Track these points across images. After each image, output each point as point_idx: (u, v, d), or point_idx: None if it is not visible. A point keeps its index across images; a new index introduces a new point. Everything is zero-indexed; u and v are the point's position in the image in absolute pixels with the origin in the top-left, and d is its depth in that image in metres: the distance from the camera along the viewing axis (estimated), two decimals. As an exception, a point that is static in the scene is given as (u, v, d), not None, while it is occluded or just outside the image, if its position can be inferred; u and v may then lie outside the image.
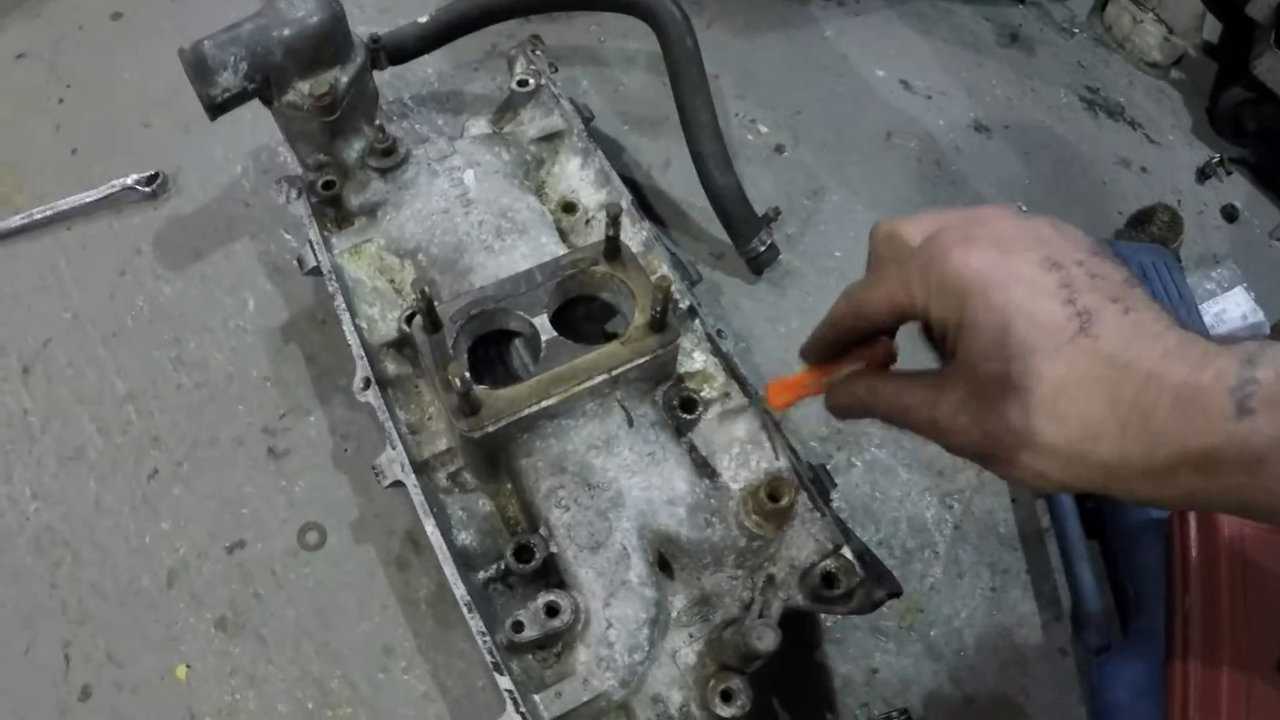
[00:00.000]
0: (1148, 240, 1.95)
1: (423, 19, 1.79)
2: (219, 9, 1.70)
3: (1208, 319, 1.79)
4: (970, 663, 1.52)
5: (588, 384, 1.27)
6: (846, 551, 1.25)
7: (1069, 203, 2.09)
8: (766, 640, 1.13)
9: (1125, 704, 1.37)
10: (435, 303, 1.26)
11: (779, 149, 2.12)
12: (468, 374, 1.17)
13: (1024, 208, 2.05)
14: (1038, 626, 1.56)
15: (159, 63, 2.16)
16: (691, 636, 1.25)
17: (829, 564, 1.24)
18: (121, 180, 1.95)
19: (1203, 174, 2.22)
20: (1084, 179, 2.15)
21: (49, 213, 1.93)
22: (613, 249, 1.35)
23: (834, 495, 1.31)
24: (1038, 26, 2.45)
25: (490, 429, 1.23)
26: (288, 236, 1.90)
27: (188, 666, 1.48)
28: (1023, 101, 2.27)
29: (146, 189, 1.94)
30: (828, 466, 1.38)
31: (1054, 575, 1.60)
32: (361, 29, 1.64)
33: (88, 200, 1.94)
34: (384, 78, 1.71)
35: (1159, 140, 2.27)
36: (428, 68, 2.16)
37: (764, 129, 2.15)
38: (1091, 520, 1.61)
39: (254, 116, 1.72)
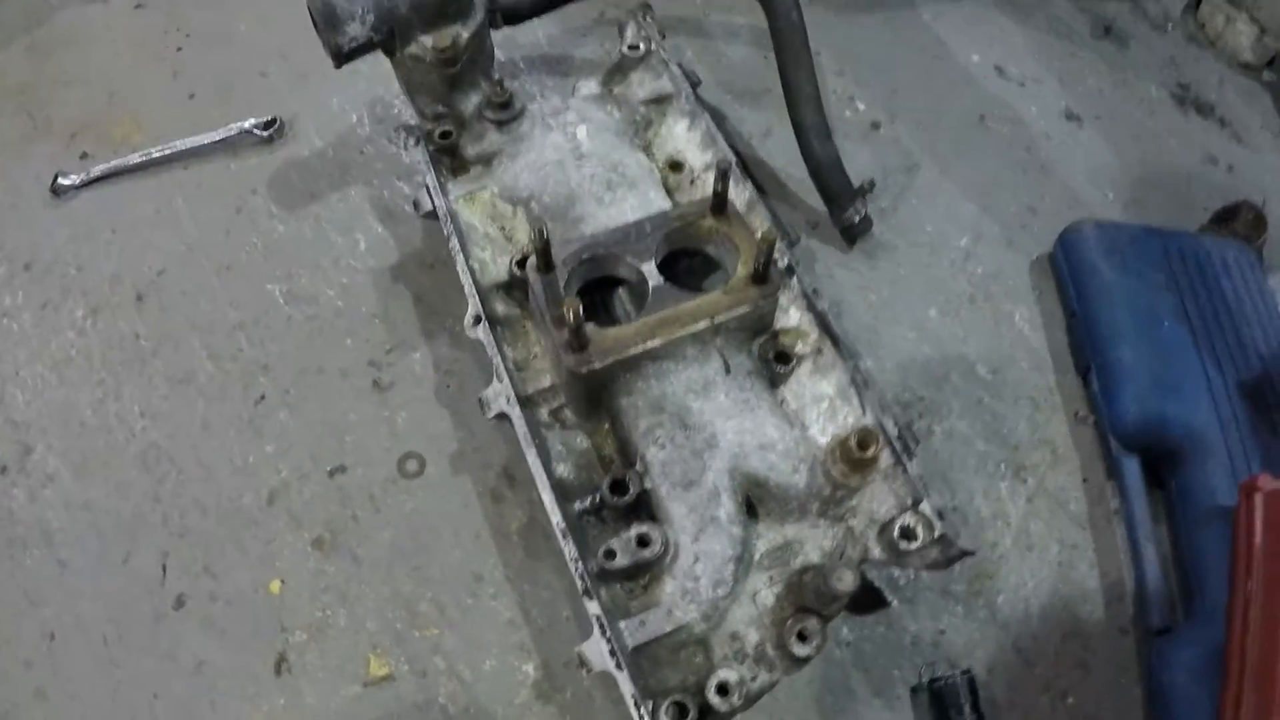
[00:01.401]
0: (1230, 237, 1.96)
1: (537, -18, 1.84)
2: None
3: (1288, 317, 1.80)
4: (1033, 632, 1.56)
5: (691, 329, 1.33)
6: (925, 507, 1.29)
7: (1155, 196, 2.10)
8: (846, 581, 1.18)
9: (1182, 686, 1.41)
10: (550, 244, 1.33)
11: (875, 125, 2.16)
12: (580, 310, 1.24)
13: (1110, 197, 2.07)
14: (1101, 604, 1.59)
15: (274, 15, 2.27)
16: (772, 579, 1.31)
17: (908, 518, 1.29)
18: (240, 124, 2.04)
19: (1290, 175, 2.20)
20: (1171, 173, 2.16)
21: (167, 152, 2.03)
22: (719, 204, 1.40)
23: (914, 456, 1.35)
24: (1131, 20, 2.45)
25: (597, 366, 1.30)
26: (400, 183, 1.98)
27: (282, 582, 1.57)
28: (1114, 94, 2.28)
29: (264, 133, 2.04)
30: (912, 429, 1.42)
31: (1120, 556, 1.63)
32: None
33: (206, 142, 2.04)
34: (496, 39, 1.76)
35: (1247, 140, 2.26)
36: (539, 32, 2.22)
37: (861, 105, 2.19)
38: (1159, 504, 1.65)
39: (369, 69, 1.81)
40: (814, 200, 1.91)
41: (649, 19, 1.82)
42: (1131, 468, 1.64)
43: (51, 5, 2.35)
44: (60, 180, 1.99)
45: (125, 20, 2.32)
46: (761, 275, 1.34)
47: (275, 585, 1.57)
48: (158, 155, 2.03)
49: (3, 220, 1.97)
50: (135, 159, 2.02)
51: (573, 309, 1.22)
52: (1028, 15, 2.40)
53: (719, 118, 2.08)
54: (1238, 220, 1.98)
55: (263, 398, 1.74)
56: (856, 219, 1.85)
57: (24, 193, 2.01)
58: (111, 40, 2.27)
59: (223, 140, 2.04)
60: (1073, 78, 2.29)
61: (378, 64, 1.69)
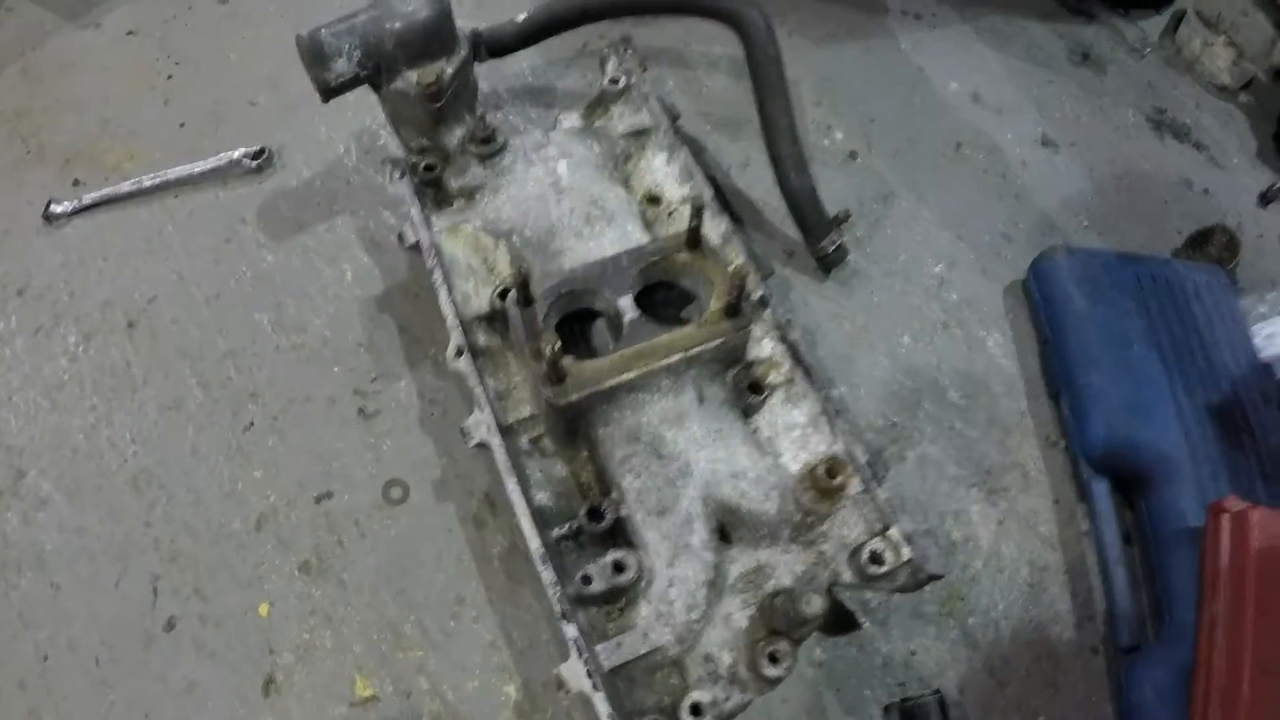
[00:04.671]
0: (1204, 260, 1.99)
1: (520, 17, 1.88)
2: (323, -4, 1.79)
3: (1258, 340, 1.84)
4: (1005, 653, 1.59)
5: (665, 361, 1.37)
6: (894, 532, 1.34)
7: (1130, 221, 2.13)
8: (814, 606, 1.23)
9: (1151, 704, 1.45)
10: (530, 279, 1.36)
11: (852, 155, 2.19)
12: (559, 346, 1.27)
13: (1085, 223, 2.11)
14: (1072, 624, 1.63)
15: (266, 45, 2.31)
16: (744, 602, 1.35)
17: (877, 544, 1.33)
18: (229, 154, 2.08)
19: (1265, 199, 2.23)
20: (1146, 198, 2.19)
21: (158, 180, 2.06)
22: (694, 239, 1.44)
23: (885, 482, 1.39)
24: (1109, 46, 2.48)
25: (574, 398, 1.33)
26: (386, 214, 2.01)
27: (270, 605, 1.60)
28: (1091, 119, 2.32)
29: (253, 163, 2.07)
30: (882, 456, 1.46)
31: (1090, 577, 1.66)
32: (459, 24, 1.72)
33: (196, 170, 2.07)
34: (481, 70, 1.80)
35: (1223, 163, 2.30)
36: (523, 63, 2.25)
37: (839, 135, 2.22)
38: (1129, 526, 1.68)
39: (357, 100, 1.83)
40: (791, 229, 1.94)
41: (630, 52, 1.86)
42: (1101, 490, 1.68)
43: (45, 31, 2.38)
44: (53, 207, 2.02)
45: (117, 47, 2.36)
46: (734, 309, 1.38)
47: (264, 608, 1.60)
48: (149, 184, 2.06)
49: (-4, 246, 2.00)
50: (127, 187, 2.05)
51: (550, 344, 1.26)
52: (1006, 42, 2.44)
53: (698, 148, 2.12)
54: (1211, 244, 2.01)
55: (251, 425, 1.77)
56: (831, 249, 1.88)
57: (17, 219, 2.04)
58: (104, 67, 2.31)
59: (213, 169, 2.07)
60: (1050, 104, 2.33)
61: (364, 94, 1.73)
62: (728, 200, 2.04)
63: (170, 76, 2.29)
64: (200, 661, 1.55)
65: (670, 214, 1.72)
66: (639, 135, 1.78)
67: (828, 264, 1.94)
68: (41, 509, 1.69)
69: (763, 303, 1.55)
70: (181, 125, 2.19)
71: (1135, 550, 1.66)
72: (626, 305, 1.42)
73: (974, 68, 2.39)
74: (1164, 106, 2.37)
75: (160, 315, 1.90)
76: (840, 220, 1.89)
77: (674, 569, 1.31)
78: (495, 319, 1.56)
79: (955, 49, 2.42)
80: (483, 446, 1.42)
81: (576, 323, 1.53)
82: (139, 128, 2.19)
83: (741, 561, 1.38)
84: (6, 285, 1.94)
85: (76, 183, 2.10)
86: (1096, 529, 1.67)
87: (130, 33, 2.38)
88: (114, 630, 1.58)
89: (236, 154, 2.07)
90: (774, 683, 1.28)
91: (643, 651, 1.28)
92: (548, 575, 1.30)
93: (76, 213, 2.04)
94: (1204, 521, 1.49)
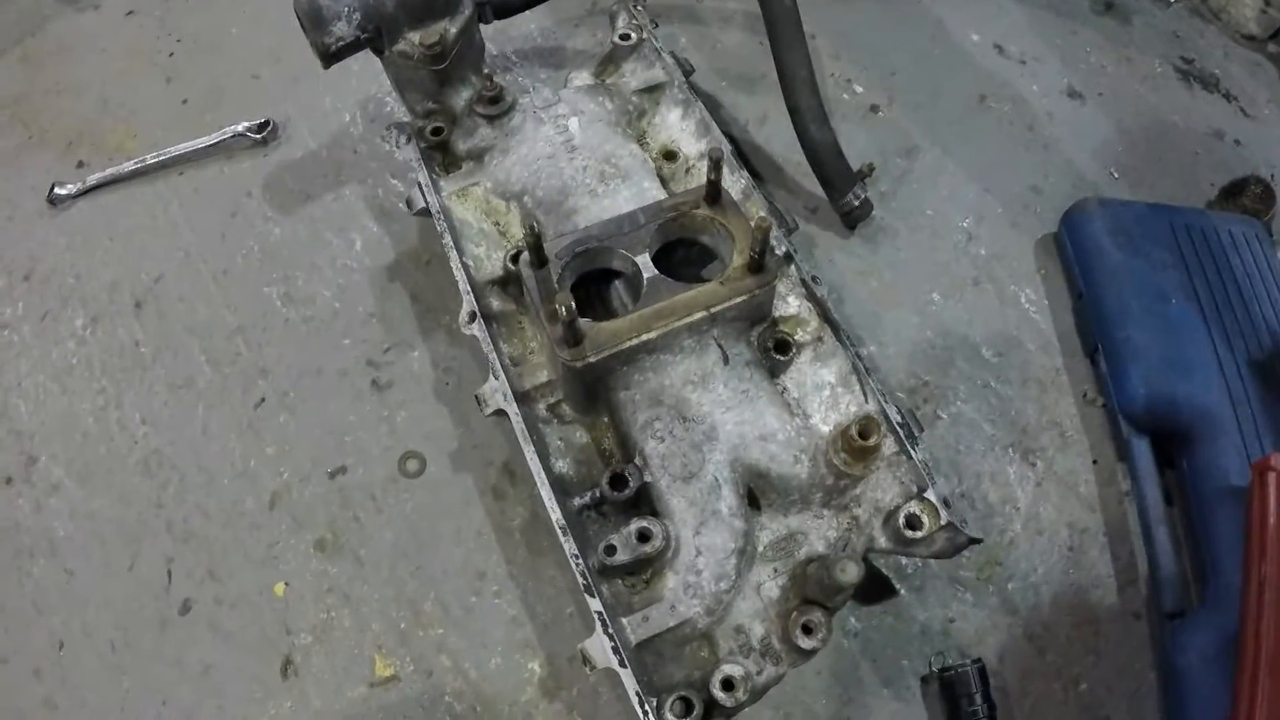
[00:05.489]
0: (1239, 212, 1.93)
1: (528, -25, 1.83)
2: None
3: (1299, 292, 1.77)
4: (1044, 619, 1.54)
5: (687, 320, 1.32)
6: (931, 495, 1.27)
7: (1161, 173, 2.07)
8: (850, 573, 1.17)
9: (1197, 669, 1.39)
10: (543, 239, 1.31)
11: (874, 108, 2.14)
12: (573, 305, 1.22)
13: (1115, 174, 2.04)
14: (1113, 589, 1.57)
15: (266, 18, 2.27)
16: (776, 571, 1.30)
17: (913, 507, 1.27)
18: (233, 127, 2.04)
19: (1298, 148, 2.16)
20: (1176, 149, 2.13)
21: (161, 158, 2.03)
22: (714, 193, 1.39)
23: (919, 443, 1.33)
24: (1133, -5, 2.42)
25: (593, 359, 1.28)
26: (394, 181, 1.97)
27: (286, 584, 1.57)
28: (1117, 70, 2.25)
29: (257, 136, 2.04)
30: (916, 415, 1.40)
31: (1132, 539, 1.61)
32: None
33: (199, 146, 2.04)
34: (488, 32, 1.75)
35: (1254, 113, 2.23)
36: (530, 24, 2.21)
37: (859, 89, 2.17)
38: (1171, 486, 1.62)
39: (360, 68, 1.80)
40: (812, 185, 1.89)
41: (640, 7, 1.81)
42: (1142, 449, 1.62)
43: (44, 14, 2.35)
44: (57, 190, 2.00)
45: (117, 27, 2.33)
46: (758, 264, 1.32)
47: (279, 588, 1.57)
48: (152, 162, 2.03)
49: (1, 231, 1.98)
50: (130, 166, 2.02)
51: (565, 304, 1.21)
52: (1027, -9, 2.38)
53: (714, 105, 2.06)
54: (1245, 194, 1.96)
55: (262, 401, 1.73)
56: (856, 203, 1.83)
57: (21, 203, 2.01)
58: (103, 48, 2.28)
59: (216, 144, 2.04)
60: (1074, 55, 2.27)
61: (369, 62, 1.69)
62: (746, 157, 1.99)
63: (171, 54, 2.26)
64: (216, 644, 1.52)
65: (688, 170, 1.66)
66: (652, 91, 1.73)
67: (852, 219, 1.88)
68: (53, 495, 1.66)
69: (787, 258, 1.49)
70: (184, 102, 2.16)
71: (1176, 511, 1.60)
72: (645, 263, 1.37)
73: (995, 17, 2.33)
74: (1191, 56, 2.31)
75: (168, 294, 1.87)
76: (864, 175, 1.84)
77: (701, 537, 1.26)
78: (509, 283, 1.52)
79: (975, -1, 2.36)
80: (499, 414, 1.37)
81: (593, 284, 1.48)
82: (141, 107, 2.17)
83: (771, 528, 1.33)
84: (13, 270, 1.91)
85: (80, 165, 2.07)
86: (1138, 489, 1.61)
87: (130, 13, 2.36)
88: (128, 615, 1.55)
89: (240, 127, 2.04)
90: (809, 654, 1.23)
91: (671, 624, 1.23)
92: (570, 546, 1.25)
93: (81, 195, 2.01)
94: (1249, 480, 1.43)
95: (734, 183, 1.58)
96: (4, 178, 2.06)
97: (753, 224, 1.31)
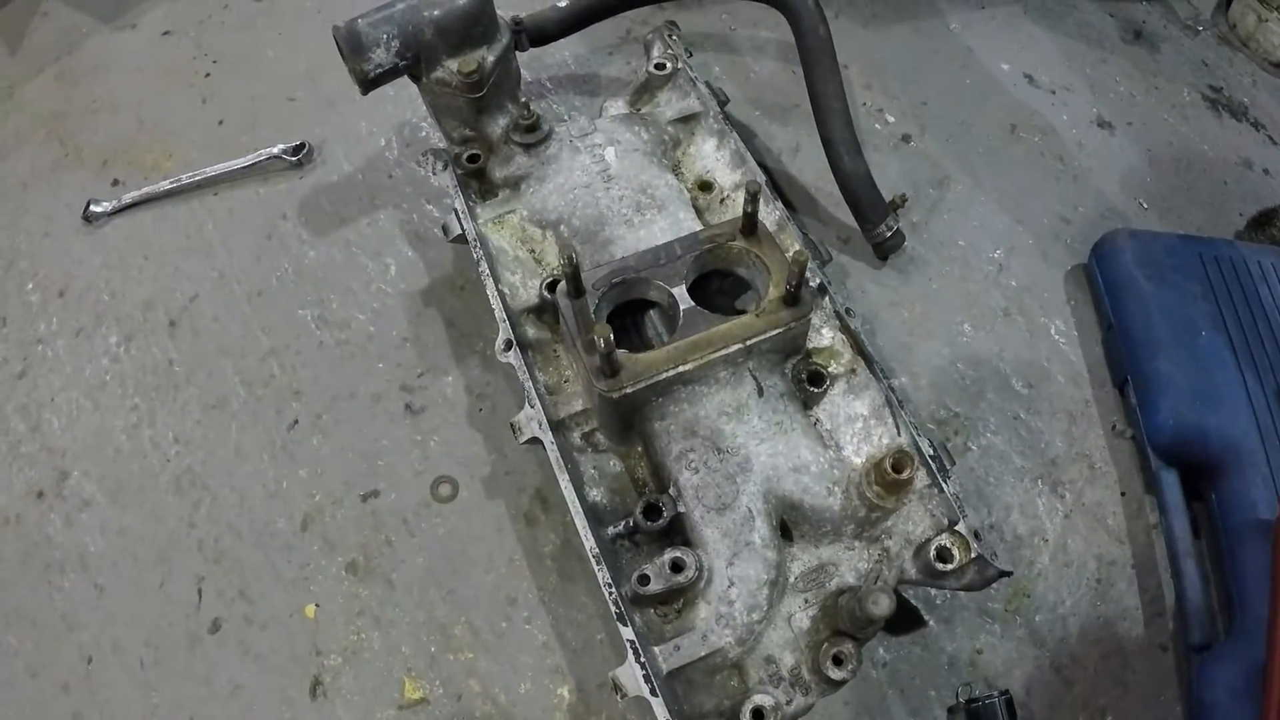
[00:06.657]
0: (1268, 241, 1.93)
1: (562, 3, 1.85)
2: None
3: (1329, 325, 1.77)
4: (1072, 651, 1.54)
5: (723, 352, 1.32)
6: (962, 527, 1.28)
7: (1190, 202, 2.07)
8: (881, 605, 1.17)
9: (1223, 702, 1.39)
10: (580, 270, 1.32)
11: (906, 138, 2.15)
12: (611, 337, 1.23)
13: (1145, 205, 2.04)
14: (1140, 621, 1.57)
15: (302, 41, 2.29)
16: (807, 602, 1.30)
17: (944, 539, 1.27)
18: (268, 149, 2.06)
19: (1328, 179, 2.16)
20: (1205, 178, 2.13)
21: (197, 178, 2.05)
22: (750, 225, 1.39)
23: (950, 475, 1.34)
24: (1161, 24, 2.42)
25: (629, 390, 1.29)
26: (429, 206, 1.99)
27: (317, 606, 1.57)
28: (1146, 99, 2.26)
29: (293, 158, 2.05)
30: (947, 448, 1.41)
31: (1159, 572, 1.60)
32: (499, 11, 1.70)
33: (235, 167, 2.05)
34: (523, 59, 1.77)
35: (1283, 143, 2.24)
36: (565, 51, 2.23)
37: (891, 118, 2.18)
38: (1199, 518, 1.62)
39: (396, 93, 1.81)
40: (845, 215, 1.90)
41: (675, 37, 1.82)
42: (1170, 481, 1.62)
43: (81, 33, 2.38)
44: (92, 207, 2.02)
45: (153, 47, 2.35)
46: (794, 296, 1.33)
47: (310, 609, 1.57)
48: (188, 181, 2.05)
49: (36, 248, 2.00)
50: (166, 185, 2.04)
51: (604, 336, 1.22)
52: (1057, 21, 2.39)
53: (748, 134, 2.08)
54: (1274, 224, 1.96)
55: (295, 423, 1.74)
56: (888, 234, 1.83)
57: (57, 220, 2.03)
58: (140, 67, 2.30)
59: (252, 166, 2.05)
60: (1104, 84, 2.27)
61: (406, 87, 1.70)
62: (779, 187, 2.00)
63: (207, 75, 2.28)
64: (246, 664, 1.52)
65: (723, 201, 1.67)
66: (687, 121, 1.74)
67: (884, 250, 1.89)
68: (84, 510, 1.67)
69: (821, 290, 1.50)
70: (220, 123, 2.18)
71: (1204, 543, 1.60)
72: (681, 294, 1.38)
73: (1025, 47, 2.34)
74: (1220, 85, 2.32)
75: (202, 313, 1.88)
76: (896, 205, 1.84)
77: (734, 568, 1.27)
78: (544, 311, 1.53)
79: (1005, 28, 2.37)
80: (534, 442, 1.38)
81: (628, 314, 1.49)
82: (177, 126, 2.19)
83: (803, 559, 1.33)
84: (47, 287, 1.93)
85: (115, 183, 2.09)
86: (1166, 521, 1.61)
87: (166, 33, 2.38)
88: (158, 632, 1.56)
89: (276, 149, 2.06)
90: (838, 685, 1.24)
91: (702, 654, 1.23)
92: (603, 575, 1.25)
93: (116, 213, 2.03)
94: (1276, 513, 1.44)
95: (769, 214, 1.59)
96: (40, 195, 2.08)
97: (789, 256, 1.31)
